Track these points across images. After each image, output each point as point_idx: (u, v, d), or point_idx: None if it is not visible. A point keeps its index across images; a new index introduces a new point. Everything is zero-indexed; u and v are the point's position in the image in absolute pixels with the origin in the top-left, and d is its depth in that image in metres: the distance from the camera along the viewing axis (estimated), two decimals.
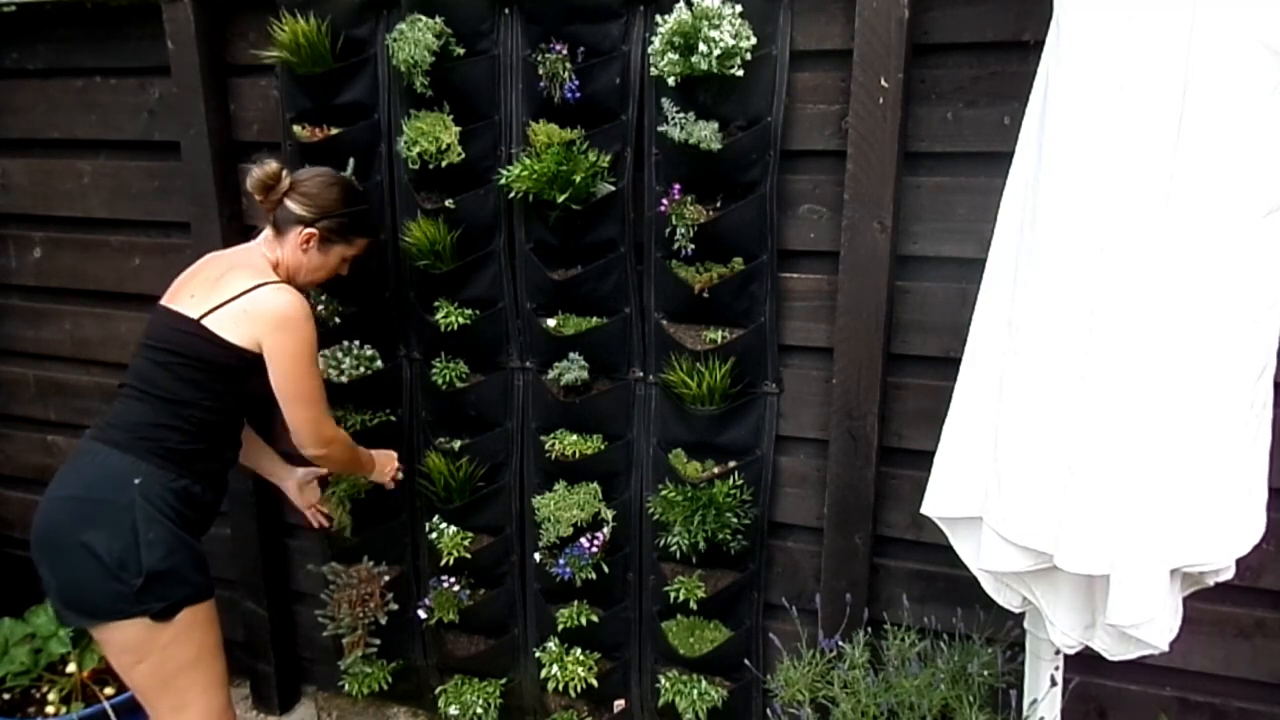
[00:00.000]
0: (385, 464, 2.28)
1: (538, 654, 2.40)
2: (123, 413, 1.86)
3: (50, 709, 2.49)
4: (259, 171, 1.90)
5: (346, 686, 2.53)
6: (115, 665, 1.87)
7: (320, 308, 2.31)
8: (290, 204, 1.92)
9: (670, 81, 1.92)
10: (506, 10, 2.09)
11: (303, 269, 1.98)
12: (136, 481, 1.80)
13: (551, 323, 2.19)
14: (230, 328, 1.83)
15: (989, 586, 1.61)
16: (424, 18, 2.03)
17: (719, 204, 2.03)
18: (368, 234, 2.07)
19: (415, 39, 2.01)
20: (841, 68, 1.89)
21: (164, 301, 1.92)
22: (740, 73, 1.87)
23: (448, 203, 2.16)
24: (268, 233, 1.99)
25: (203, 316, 1.83)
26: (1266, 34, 1.25)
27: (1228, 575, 1.49)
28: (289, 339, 1.86)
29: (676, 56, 1.87)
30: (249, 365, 1.85)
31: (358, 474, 2.26)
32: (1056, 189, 1.37)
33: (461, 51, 2.08)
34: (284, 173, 1.91)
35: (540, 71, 2.04)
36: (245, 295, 1.84)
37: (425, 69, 2.04)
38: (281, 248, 1.96)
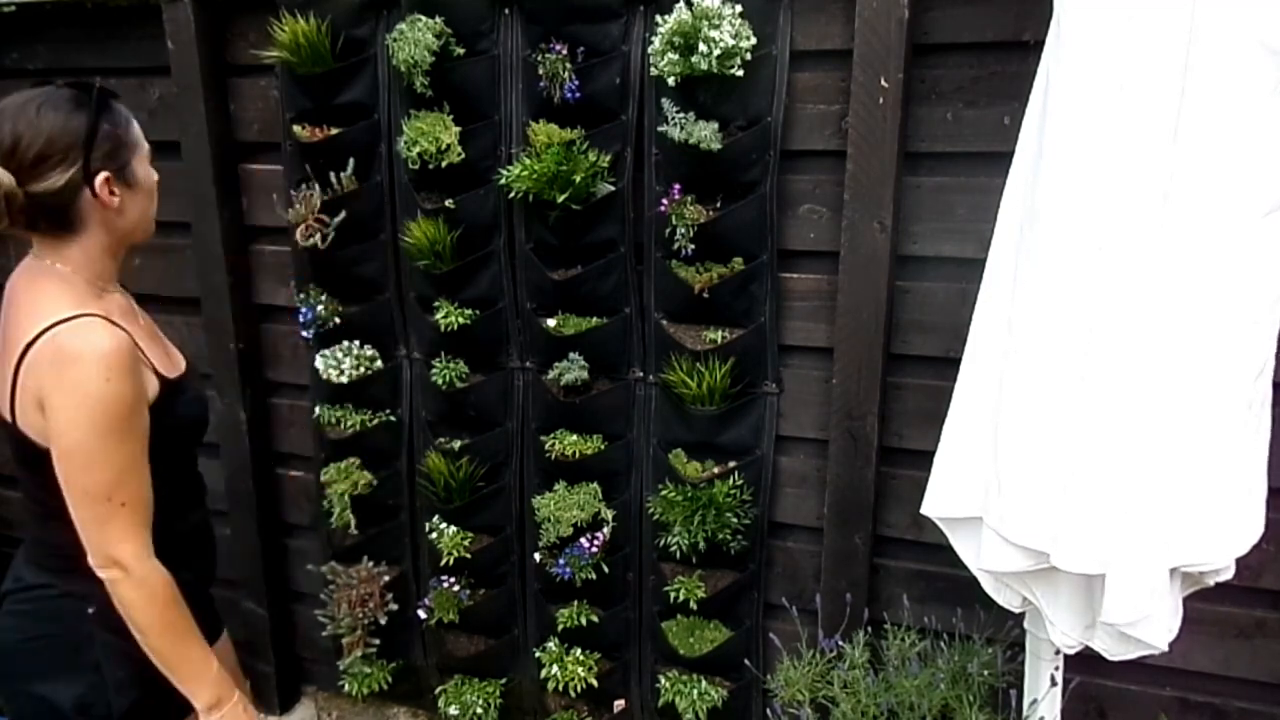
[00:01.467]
0: (225, 694, 1.47)
1: (538, 654, 2.40)
2: (43, 536, 1.45)
3: None
4: None
5: (346, 686, 2.53)
6: None
7: (320, 308, 2.30)
8: (41, 186, 1.32)
9: (670, 81, 1.92)
10: (506, 10, 2.09)
11: (126, 229, 1.45)
12: (90, 611, 1.42)
13: (551, 323, 2.19)
14: (35, 425, 1.34)
15: (989, 586, 1.61)
16: (424, 18, 2.03)
17: (719, 204, 2.03)
18: (126, 122, 1.44)
19: (415, 39, 2.01)
20: (841, 68, 1.89)
21: None
22: (740, 73, 1.87)
23: (448, 203, 2.16)
24: (40, 246, 1.41)
25: (13, 417, 1.37)
26: (1266, 34, 1.25)
27: (1228, 575, 1.49)
28: (69, 398, 1.30)
29: (676, 56, 1.87)
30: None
31: (172, 668, 1.44)
32: (1056, 189, 1.37)
33: (461, 51, 2.08)
34: None
35: (540, 71, 2.04)
36: (21, 371, 1.34)
37: (425, 69, 2.04)
38: (78, 239, 1.39)
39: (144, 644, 1.42)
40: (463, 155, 2.10)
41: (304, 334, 2.37)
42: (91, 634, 1.43)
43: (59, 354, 1.32)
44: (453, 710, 2.47)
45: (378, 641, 2.50)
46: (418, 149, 2.09)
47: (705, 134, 1.91)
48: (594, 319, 2.19)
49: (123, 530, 1.36)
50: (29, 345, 1.33)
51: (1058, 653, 1.69)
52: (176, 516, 1.51)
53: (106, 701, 1.44)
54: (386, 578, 2.48)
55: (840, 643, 1.93)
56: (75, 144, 1.33)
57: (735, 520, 2.10)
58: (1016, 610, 1.63)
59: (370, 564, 2.47)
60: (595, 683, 2.32)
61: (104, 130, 1.36)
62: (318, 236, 2.22)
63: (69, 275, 1.40)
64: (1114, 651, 1.50)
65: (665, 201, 2.01)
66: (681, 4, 1.85)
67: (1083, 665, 1.82)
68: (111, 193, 1.39)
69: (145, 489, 1.40)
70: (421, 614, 2.43)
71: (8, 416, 1.39)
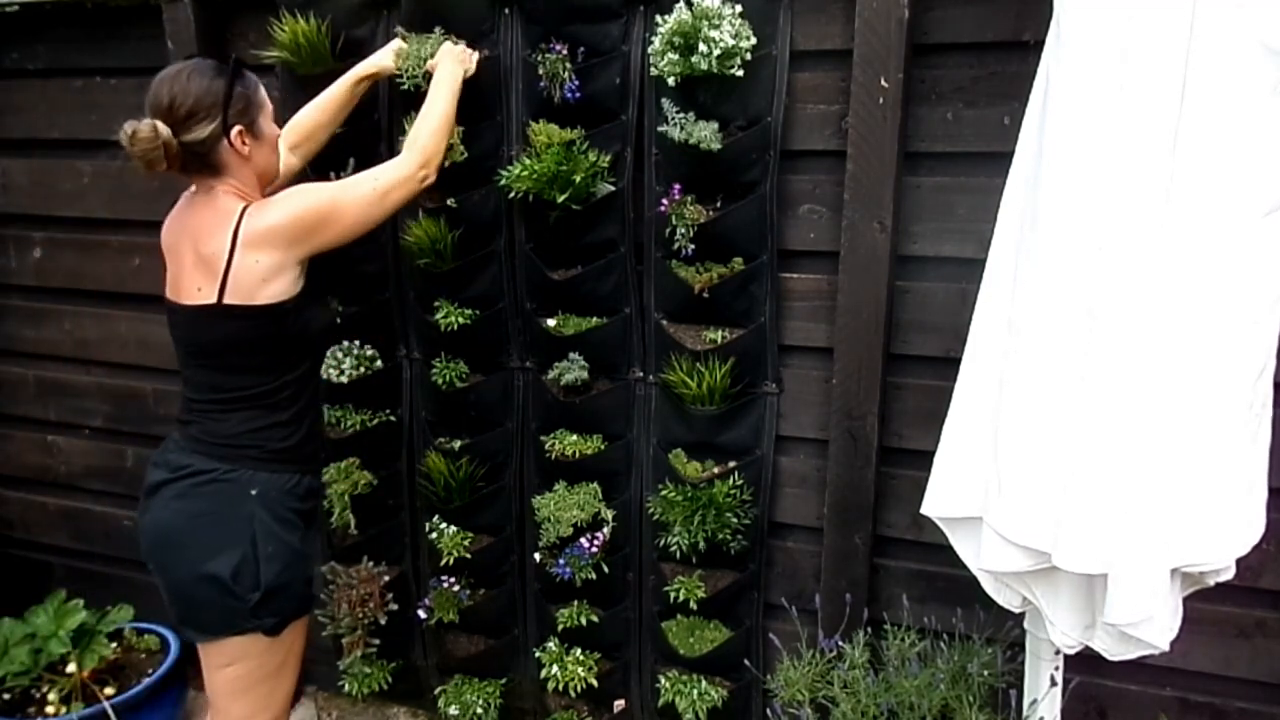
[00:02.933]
0: (460, 56, 2.01)
1: (538, 654, 2.40)
2: (215, 429, 1.75)
3: (50, 709, 2.49)
4: (140, 141, 1.60)
5: (346, 686, 2.53)
6: (204, 663, 1.82)
7: None
8: (190, 136, 1.65)
9: (670, 81, 1.92)
10: (506, 10, 2.09)
11: (257, 173, 1.77)
12: (253, 493, 1.73)
13: (551, 323, 2.19)
14: (258, 290, 1.68)
15: (989, 586, 1.61)
16: (432, 36, 2.05)
17: (719, 204, 2.03)
18: (254, 87, 1.76)
19: (421, 55, 2.03)
20: (841, 68, 1.89)
21: (175, 298, 1.76)
22: (740, 73, 1.87)
23: (449, 202, 2.16)
24: (196, 186, 1.76)
25: (220, 299, 1.68)
26: (1266, 34, 1.25)
27: (1228, 575, 1.49)
28: (320, 224, 1.70)
29: (676, 56, 1.87)
30: (295, 307, 1.72)
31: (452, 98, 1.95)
32: (1056, 189, 1.37)
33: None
34: (156, 125, 1.62)
35: (540, 71, 2.04)
36: (237, 250, 1.66)
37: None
38: (222, 178, 1.72)
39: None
40: (464, 155, 2.10)
41: None
42: (252, 514, 1.72)
43: (260, 224, 1.68)
44: (453, 710, 2.47)
45: (378, 641, 2.50)
46: None
47: (705, 134, 1.91)
48: (594, 319, 2.19)
49: (390, 181, 1.82)
50: (236, 230, 1.66)
51: (1058, 653, 1.69)
52: (317, 414, 1.87)
53: (256, 573, 1.71)
54: (386, 578, 2.48)
55: (840, 643, 1.93)
56: (216, 103, 1.66)
57: (735, 520, 2.10)
58: (1016, 610, 1.63)
59: (370, 564, 2.47)
60: (595, 683, 2.32)
61: (237, 92, 1.69)
62: None
63: (229, 194, 1.73)
64: (1114, 651, 1.50)
65: (665, 201, 2.01)
66: (681, 4, 1.85)
67: (1083, 665, 1.82)
68: (244, 142, 1.71)
69: (369, 172, 1.83)
70: (421, 614, 2.43)
71: (212, 302, 1.68)
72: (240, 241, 1.67)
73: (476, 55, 2.05)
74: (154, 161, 1.64)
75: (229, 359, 1.74)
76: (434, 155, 1.89)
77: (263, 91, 1.77)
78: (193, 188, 1.78)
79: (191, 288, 1.72)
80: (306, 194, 1.74)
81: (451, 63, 1.99)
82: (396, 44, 2.07)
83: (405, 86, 2.07)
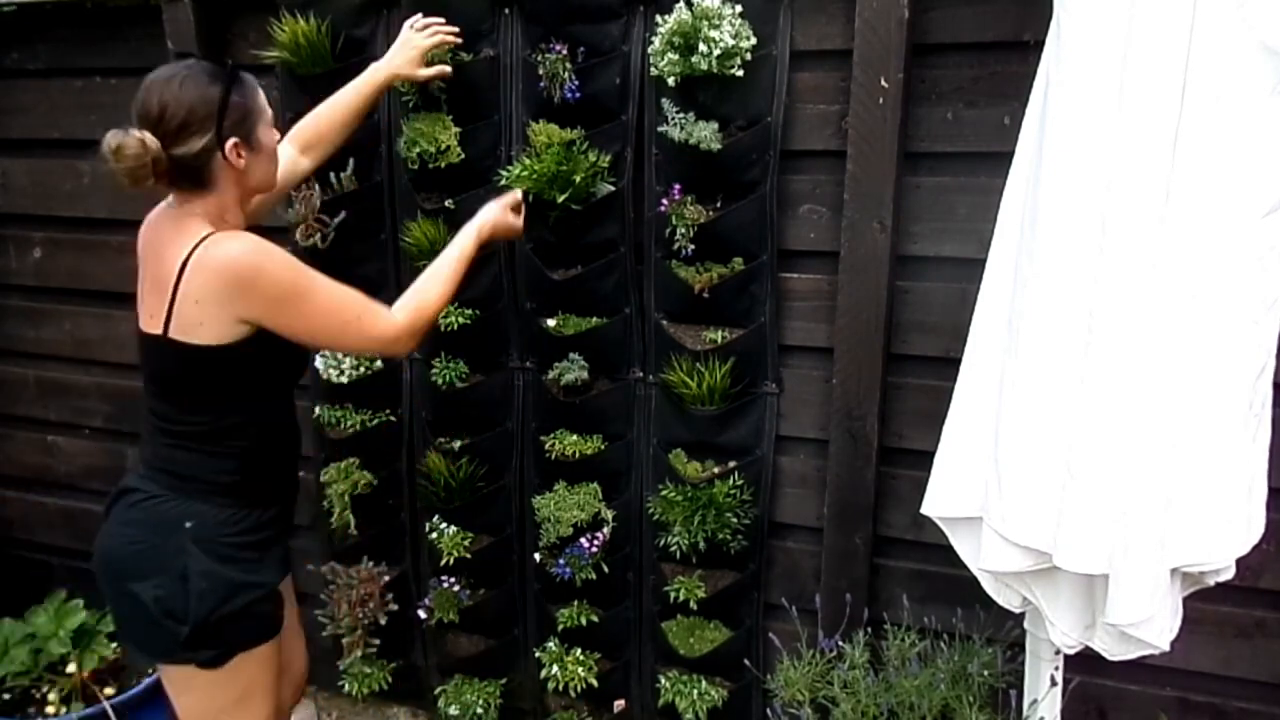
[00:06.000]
0: (500, 215, 1.90)
1: (538, 654, 2.40)
2: (163, 454, 1.66)
3: (50, 709, 2.49)
4: (127, 156, 1.47)
5: (346, 686, 2.53)
6: (167, 688, 1.78)
7: None
8: (181, 150, 1.52)
9: (670, 81, 1.92)
10: (506, 10, 2.09)
11: (249, 187, 1.65)
12: (187, 525, 1.61)
13: (551, 323, 2.19)
14: (195, 328, 1.53)
15: (989, 586, 1.61)
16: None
17: (719, 204, 2.03)
18: (252, 92, 1.62)
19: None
20: (841, 68, 1.89)
21: (139, 321, 1.64)
22: (740, 73, 1.87)
23: (448, 203, 2.16)
24: (177, 198, 1.61)
25: (166, 329, 1.54)
26: (1266, 34, 1.25)
27: (1228, 575, 1.49)
28: (262, 289, 1.51)
29: (676, 56, 1.87)
30: (256, 352, 1.57)
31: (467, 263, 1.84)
32: (1056, 189, 1.37)
33: (462, 54, 2.08)
34: (144, 138, 1.49)
35: (540, 71, 2.04)
36: (182, 281, 1.52)
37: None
38: (210, 193, 1.59)
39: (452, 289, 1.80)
40: (462, 155, 2.10)
41: None
42: (183, 547, 1.60)
43: (208, 259, 1.52)
44: (453, 710, 2.47)
45: (378, 641, 2.50)
46: (417, 149, 2.09)
47: (705, 134, 1.91)
48: (594, 319, 2.19)
49: (371, 326, 1.65)
50: (186, 259, 1.52)
51: (1058, 653, 1.69)
52: (287, 441, 1.76)
53: (185, 607, 1.60)
54: (386, 578, 2.47)
55: (840, 643, 1.93)
56: (210, 114, 1.52)
57: (735, 520, 2.10)
58: (1016, 610, 1.63)
59: (370, 564, 2.47)
60: (595, 683, 2.32)
61: (234, 101, 1.55)
62: (318, 237, 2.22)
63: (202, 217, 1.59)
64: (1114, 651, 1.50)
65: (665, 201, 2.01)
66: (681, 4, 1.85)
67: (1083, 665, 1.82)
68: (239, 155, 1.57)
69: (361, 300, 1.65)
70: (421, 614, 2.43)
71: (159, 332, 1.55)
72: (186, 273, 1.52)
73: (519, 204, 1.98)
74: (140, 178, 1.50)
75: (173, 390, 1.63)
76: (422, 330, 1.74)
77: (262, 97, 1.64)
78: (168, 201, 1.65)
79: (145, 313, 1.61)
80: (273, 258, 1.54)
81: (477, 225, 1.87)
82: (405, 37, 1.98)
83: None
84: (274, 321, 1.55)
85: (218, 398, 1.62)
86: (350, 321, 1.62)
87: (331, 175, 2.21)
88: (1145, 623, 1.39)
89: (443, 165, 2.10)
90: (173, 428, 1.64)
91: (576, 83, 2.01)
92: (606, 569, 2.25)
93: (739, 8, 1.85)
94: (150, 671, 2.61)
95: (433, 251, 2.17)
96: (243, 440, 1.65)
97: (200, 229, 1.55)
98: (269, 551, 1.71)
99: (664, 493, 2.16)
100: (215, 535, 1.62)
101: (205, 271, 1.51)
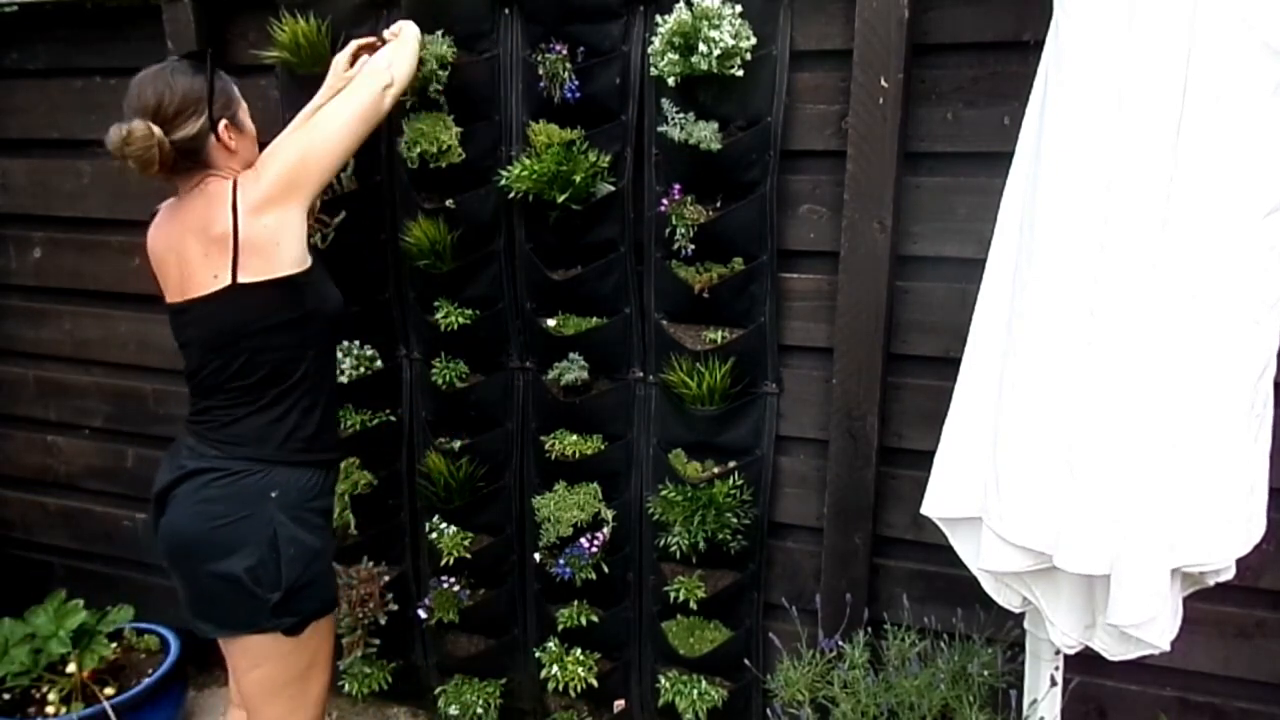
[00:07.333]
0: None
1: (538, 654, 2.40)
2: (233, 428, 1.74)
3: (50, 709, 2.49)
4: (136, 140, 1.61)
5: (346, 686, 2.53)
6: (230, 666, 1.86)
7: None
8: (180, 134, 1.66)
9: (670, 81, 1.92)
10: (506, 10, 2.09)
11: (242, 166, 1.76)
12: (273, 495, 1.73)
13: (551, 323, 2.19)
14: (273, 253, 1.68)
15: (989, 586, 1.61)
16: (440, 36, 2.05)
17: (719, 204, 2.03)
18: (230, 83, 1.79)
19: (430, 54, 2.02)
20: (841, 68, 1.89)
21: (181, 297, 1.75)
22: (740, 73, 1.87)
23: (448, 203, 2.16)
24: (181, 186, 1.76)
25: (235, 279, 1.67)
26: (1267, 34, 1.25)
27: (1228, 575, 1.49)
28: (291, 165, 1.71)
29: (676, 56, 1.87)
30: (308, 280, 1.73)
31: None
32: (1056, 189, 1.37)
33: (462, 54, 2.08)
34: (149, 124, 1.63)
35: (540, 71, 2.04)
36: (239, 220, 1.66)
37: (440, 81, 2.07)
38: (211, 166, 1.73)
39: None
40: (463, 155, 2.10)
41: None
42: (272, 516, 1.72)
43: (252, 176, 1.71)
44: (453, 710, 2.47)
45: (378, 641, 2.50)
46: (418, 149, 2.09)
47: (705, 134, 1.91)
48: (594, 319, 2.19)
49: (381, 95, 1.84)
50: (233, 203, 1.67)
51: (1058, 653, 1.69)
52: (331, 404, 1.86)
53: (277, 573, 1.71)
54: (386, 578, 2.48)
55: (840, 643, 1.93)
56: (201, 98, 1.68)
57: (735, 520, 2.10)
58: (1016, 610, 1.63)
59: (370, 564, 2.47)
60: (595, 683, 2.32)
61: (219, 87, 1.72)
62: (318, 236, 2.22)
63: (217, 177, 1.73)
64: (1114, 651, 1.50)
65: (665, 201, 2.01)
66: (681, 4, 1.85)
67: (1083, 665, 1.82)
68: (230, 136, 1.73)
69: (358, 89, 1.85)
70: (421, 614, 2.43)
71: (226, 285, 1.68)
72: (242, 210, 1.67)
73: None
74: (149, 162, 1.62)
75: (249, 343, 1.71)
76: (402, 74, 1.90)
77: (235, 88, 1.79)
78: (173, 198, 1.78)
79: (207, 277, 1.70)
80: (289, 142, 1.79)
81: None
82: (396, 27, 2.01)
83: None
84: (329, 169, 1.76)
85: (293, 334, 1.74)
86: (366, 103, 1.81)
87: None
88: (1146, 623, 1.39)
89: (443, 165, 2.10)
90: (245, 385, 1.73)
91: (576, 83, 2.01)
92: (606, 569, 2.26)
93: (739, 8, 1.85)
94: (150, 672, 2.62)
95: (433, 252, 2.18)
96: (319, 387, 1.80)
97: (223, 185, 1.70)
98: (330, 521, 1.88)
99: (664, 493, 2.16)
100: (299, 501, 1.76)
101: (263, 192, 1.68)
